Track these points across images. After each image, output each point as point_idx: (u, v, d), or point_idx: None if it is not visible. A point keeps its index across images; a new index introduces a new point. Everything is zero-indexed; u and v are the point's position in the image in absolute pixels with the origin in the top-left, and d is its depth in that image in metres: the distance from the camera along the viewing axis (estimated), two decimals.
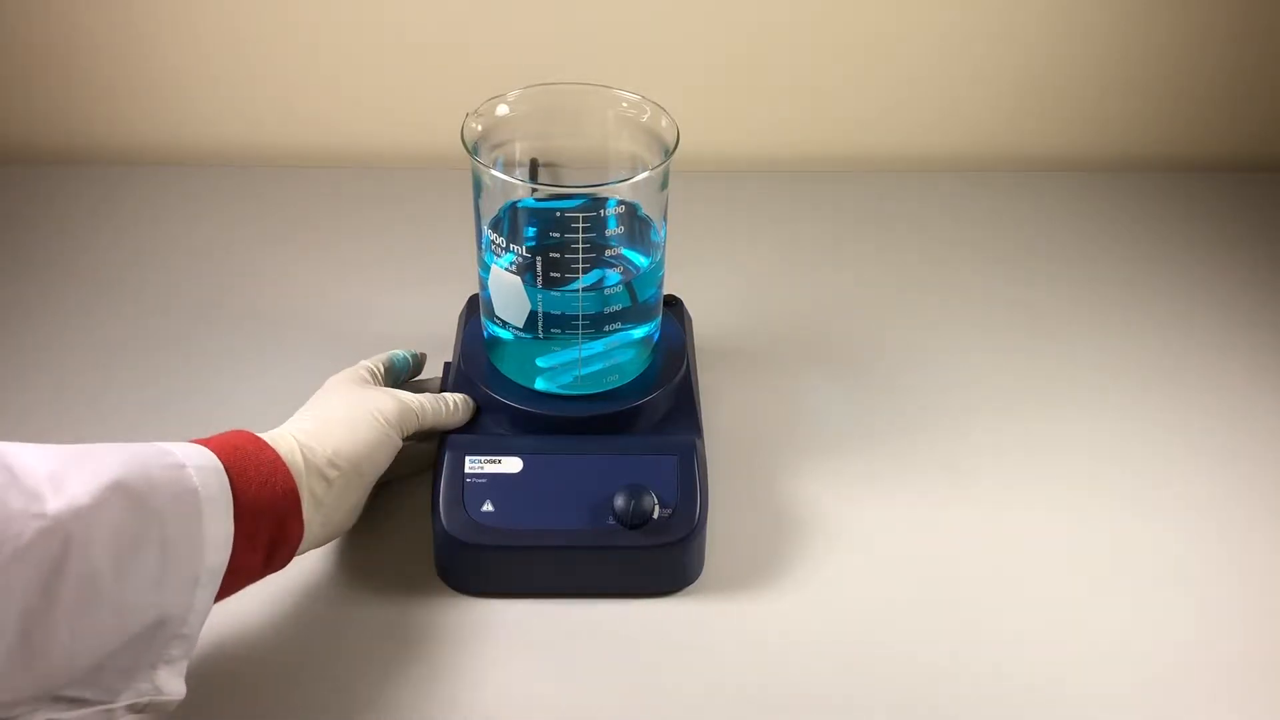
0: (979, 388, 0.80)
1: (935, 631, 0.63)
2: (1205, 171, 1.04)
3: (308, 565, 0.65)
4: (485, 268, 0.65)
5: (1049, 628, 0.63)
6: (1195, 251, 0.94)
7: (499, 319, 0.66)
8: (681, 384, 0.70)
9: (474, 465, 0.64)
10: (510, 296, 0.64)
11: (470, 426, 0.67)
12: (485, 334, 0.69)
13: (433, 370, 0.73)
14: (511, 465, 0.64)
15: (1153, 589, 0.66)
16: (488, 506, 0.63)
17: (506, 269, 0.64)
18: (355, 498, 0.61)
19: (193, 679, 0.52)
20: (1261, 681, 0.61)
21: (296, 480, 0.56)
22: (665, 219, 0.66)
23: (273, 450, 0.56)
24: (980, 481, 0.72)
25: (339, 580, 0.64)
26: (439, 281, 0.82)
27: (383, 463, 0.63)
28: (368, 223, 0.94)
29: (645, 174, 0.63)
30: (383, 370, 0.69)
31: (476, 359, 0.70)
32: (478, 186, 0.64)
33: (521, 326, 0.65)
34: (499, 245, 0.63)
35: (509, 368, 0.68)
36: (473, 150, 0.62)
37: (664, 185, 0.65)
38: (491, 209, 0.64)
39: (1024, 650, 0.62)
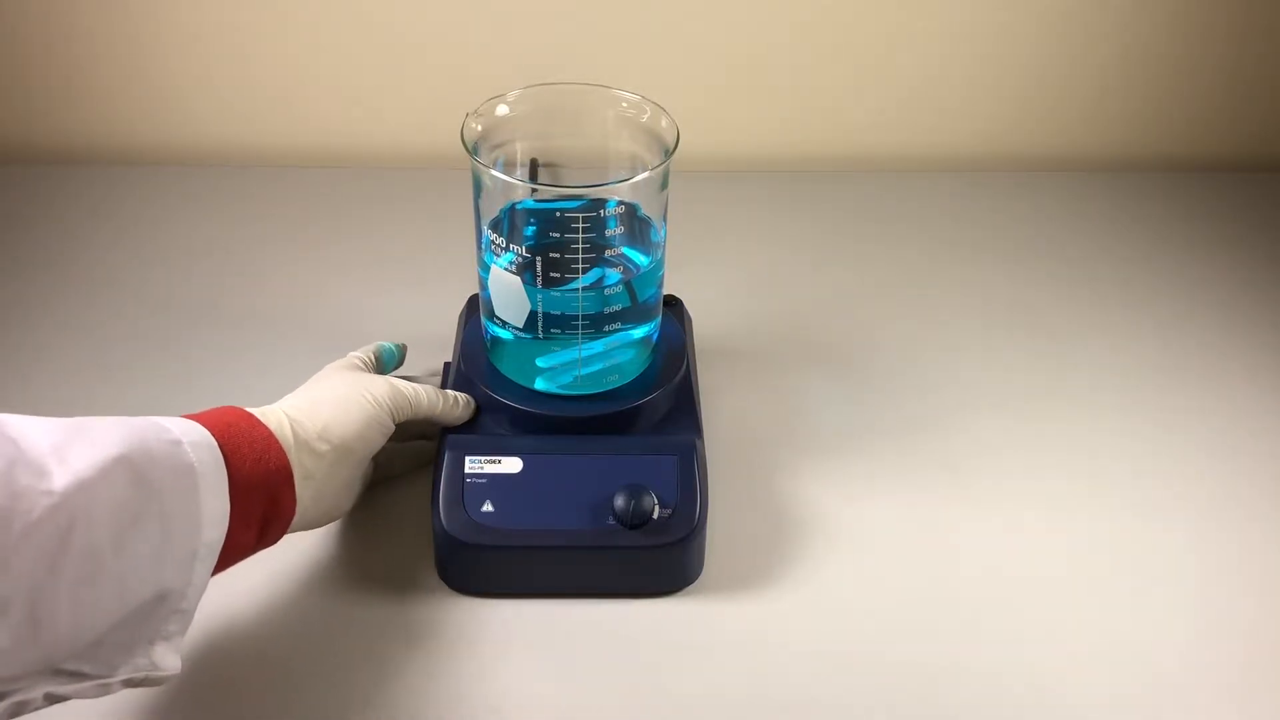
0: (979, 387, 0.80)
1: (935, 631, 0.63)
2: (1205, 171, 1.04)
3: (308, 564, 0.65)
4: (485, 268, 0.65)
5: (1049, 628, 0.63)
6: (1195, 251, 0.94)
7: (499, 319, 0.66)
8: (681, 384, 0.69)
9: (474, 465, 0.64)
10: (510, 296, 0.64)
11: (470, 426, 0.67)
12: (485, 334, 0.69)
13: (433, 370, 0.73)
14: (511, 465, 0.64)
15: (1153, 589, 0.66)
16: (487, 506, 0.63)
17: (506, 269, 0.64)
18: (346, 474, 0.61)
19: (193, 677, 0.52)
20: (1261, 681, 0.61)
21: (287, 454, 0.57)
22: (665, 219, 0.66)
23: (265, 427, 0.57)
24: (980, 481, 0.72)
25: (339, 579, 0.64)
26: (439, 281, 0.82)
27: (374, 441, 0.63)
28: (368, 223, 0.94)
29: (645, 174, 0.62)
30: (373, 359, 0.70)
31: (476, 359, 0.70)
32: (478, 186, 0.64)
33: (521, 326, 0.65)
34: (499, 245, 0.63)
35: (509, 368, 0.68)
36: (473, 150, 0.62)
37: (664, 185, 0.65)
38: (491, 209, 0.64)
39: (1024, 650, 0.62)
